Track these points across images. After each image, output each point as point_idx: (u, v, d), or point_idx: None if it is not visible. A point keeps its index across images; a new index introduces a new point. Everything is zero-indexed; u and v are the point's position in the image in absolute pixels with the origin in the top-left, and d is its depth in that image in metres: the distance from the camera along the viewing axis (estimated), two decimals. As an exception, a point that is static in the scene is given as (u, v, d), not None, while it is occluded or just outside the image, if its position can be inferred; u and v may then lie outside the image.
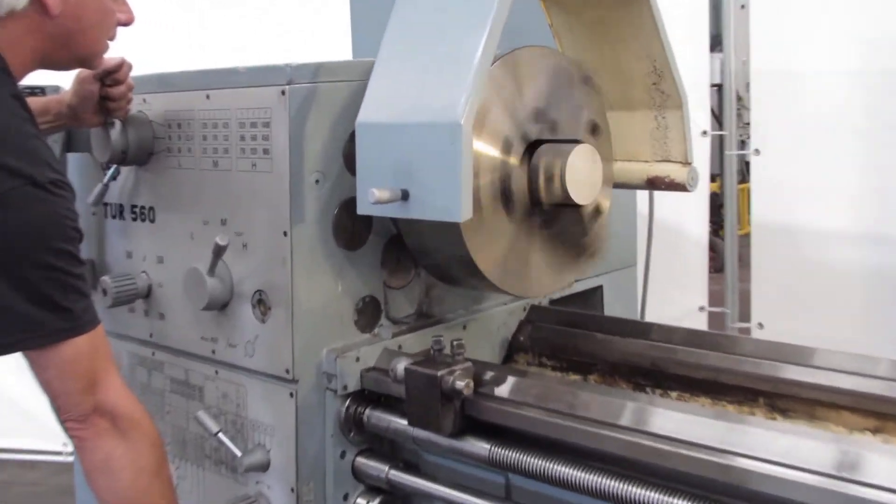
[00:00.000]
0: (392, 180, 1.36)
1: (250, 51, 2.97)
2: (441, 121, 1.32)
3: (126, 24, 1.41)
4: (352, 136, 1.45)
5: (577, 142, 1.57)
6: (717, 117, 3.17)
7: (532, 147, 1.55)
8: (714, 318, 3.16)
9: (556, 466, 1.31)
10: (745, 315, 3.06)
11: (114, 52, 1.53)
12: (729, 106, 3.06)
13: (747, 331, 2.98)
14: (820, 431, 1.36)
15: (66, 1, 1.28)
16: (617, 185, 1.78)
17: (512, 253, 1.58)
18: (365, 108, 1.41)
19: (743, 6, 2.81)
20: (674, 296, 3.06)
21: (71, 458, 2.33)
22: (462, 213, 1.31)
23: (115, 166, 1.71)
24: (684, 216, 3.03)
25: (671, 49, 1.68)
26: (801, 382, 1.50)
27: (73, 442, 1.31)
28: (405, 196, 1.35)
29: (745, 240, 3.11)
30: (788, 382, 1.52)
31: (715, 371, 1.60)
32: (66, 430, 1.31)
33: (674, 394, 1.62)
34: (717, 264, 3.26)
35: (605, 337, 1.78)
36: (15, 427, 3.52)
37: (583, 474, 1.28)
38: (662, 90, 1.72)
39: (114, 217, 1.79)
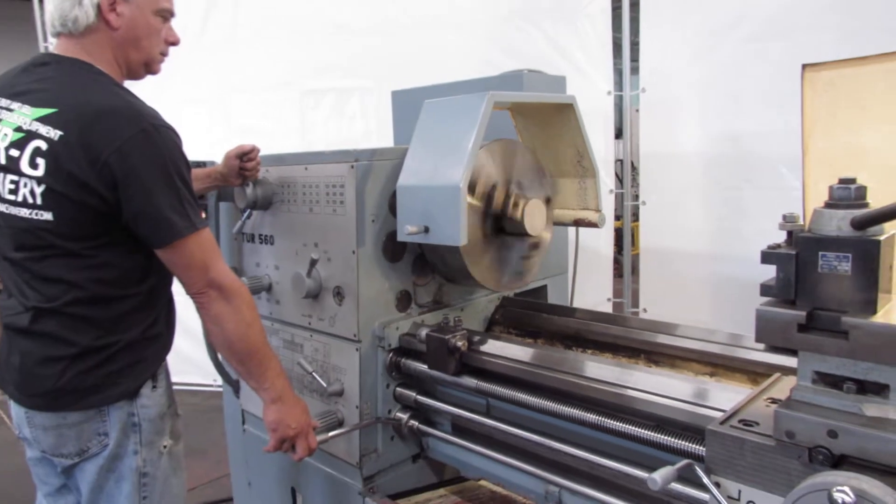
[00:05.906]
0: (419, 220, 1.54)
1: (332, 139, 3.83)
2: (448, 184, 1.48)
3: (174, 43, 1.45)
4: (394, 193, 1.63)
5: (531, 197, 1.69)
6: (620, 180, 3.78)
7: (505, 199, 1.70)
8: (616, 306, 3.99)
9: (517, 394, 1.48)
10: (635, 303, 3.78)
11: (248, 140, 1.76)
12: (626, 174, 3.66)
13: (637, 314, 3.59)
14: (679, 374, 1.49)
15: (122, 17, 1.35)
16: (556, 223, 1.92)
17: (492, 264, 1.70)
18: (403, 176, 1.59)
19: (637, 110, 3.47)
20: (590, 291, 3.75)
21: (220, 388, 2.43)
22: (461, 240, 1.49)
23: (249, 210, 1.89)
24: (598, 242, 3.62)
25: (588, 139, 1.84)
26: (668, 345, 1.64)
27: (196, 307, 1.39)
28: (427, 230, 1.52)
29: (636, 257, 3.82)
30: (660, 345, 1.66)
31: (614, 337, 1.74)
32: (192, 299, 1.37)
33: (589, 351, 1.78)
34: (618, 272, 3.91)
35: (548, 316, 1.88)
36: (183, 370, 4.11)
37: (532, 399, 1.45)
38: (583, 165, 1.85)
39: (248, 241, 1.94)
